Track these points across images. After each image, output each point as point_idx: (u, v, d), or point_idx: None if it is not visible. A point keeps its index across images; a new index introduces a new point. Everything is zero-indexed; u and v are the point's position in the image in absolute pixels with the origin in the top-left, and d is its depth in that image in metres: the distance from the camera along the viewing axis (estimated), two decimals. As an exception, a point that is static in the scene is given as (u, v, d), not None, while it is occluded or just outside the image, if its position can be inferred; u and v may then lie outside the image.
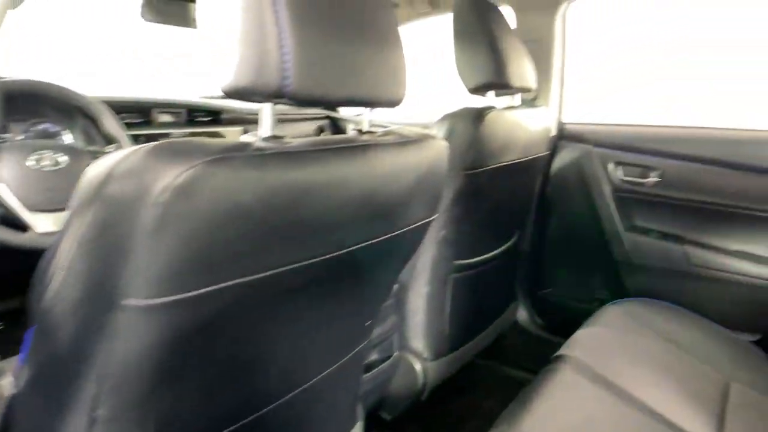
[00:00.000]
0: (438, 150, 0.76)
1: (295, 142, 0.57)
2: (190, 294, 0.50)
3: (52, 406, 0.58)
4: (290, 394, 0.76)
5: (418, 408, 1.31)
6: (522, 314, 1.76)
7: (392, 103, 0.67)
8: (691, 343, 1.27)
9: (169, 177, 0.46)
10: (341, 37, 0.57)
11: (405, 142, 0.70)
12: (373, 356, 1.16)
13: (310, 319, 0.73)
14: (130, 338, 0.52)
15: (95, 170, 0.50)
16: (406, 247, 0.82)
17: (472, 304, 1.35)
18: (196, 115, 1.45)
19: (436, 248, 1.16)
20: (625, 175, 1.56)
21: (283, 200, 0.53)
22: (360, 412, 1.02)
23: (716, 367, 1.20)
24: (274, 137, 0.57)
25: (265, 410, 0.71)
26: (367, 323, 0.88)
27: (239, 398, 0.68)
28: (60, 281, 0.52)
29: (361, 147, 0.64)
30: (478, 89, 1.18)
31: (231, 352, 0.64)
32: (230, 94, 0.53)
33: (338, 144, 0.61)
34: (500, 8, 1.24)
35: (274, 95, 0.53)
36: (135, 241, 0.47)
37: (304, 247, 0.59)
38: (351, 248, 0.66)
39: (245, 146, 0.52)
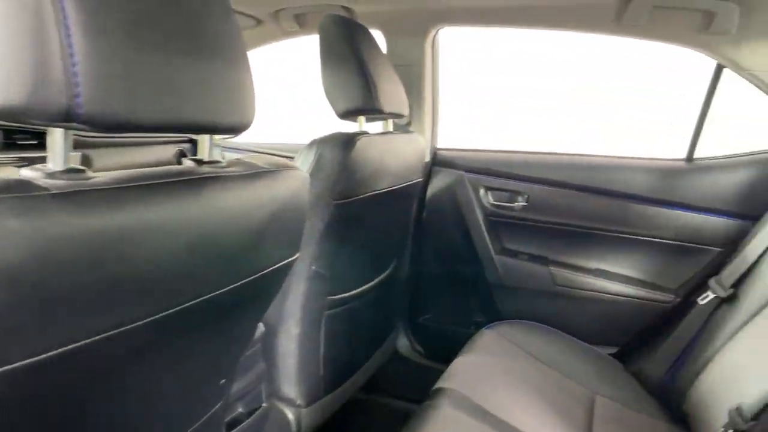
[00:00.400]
0: (296, 181, 0.67)
1: (102, 178, 0.45)
2: None
3: None
4: None
5: None
6: (402, 343, 1.72)
7: (236, 129, 0.57)
8: (558, 361, 1.32)
9: None
10: (162, 47, 0.47)
11: (255, 174, 0.61)
12: (239, 410, 1.03)
13: (143, 390, 0.59)
14: None
15: None
16: (265, 291, 0.72)
17: (350, 339, 1.27)
18: (17, 137, 1.21)
19: (306, 285, 1.06)
20: (495, 200, 1.60)
21: (76, 256, 0.40)
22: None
23: (582, 382, 1.26)
24: (70, 171, 0.44)
25: None
26: (222, 381, 0.75)
27: None
28: None
29: (196, 181, 0.53)
30: (348, 114, 1.12)
31: None
32: None
33: (165, 178, 0.50)
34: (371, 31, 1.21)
35: (62, 118, 0.41)
36: None
37: (117, 311, 0.46)
38: (189, 303, 0.54)
39: (20, 185, 0.39)
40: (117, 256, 0.43)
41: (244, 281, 0.62)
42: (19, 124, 1.22)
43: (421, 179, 1.41)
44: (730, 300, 1.25)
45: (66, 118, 0.40)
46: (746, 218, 1.36)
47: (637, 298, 1.49)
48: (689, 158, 1.46)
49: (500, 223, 1.62)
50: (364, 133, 1.12)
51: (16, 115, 0.40)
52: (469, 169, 1.62)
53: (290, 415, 1.10)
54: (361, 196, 1.09)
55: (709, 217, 1.42)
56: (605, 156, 1.54)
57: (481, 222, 1.61)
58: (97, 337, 0.45)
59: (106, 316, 0.45)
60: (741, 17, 1.17)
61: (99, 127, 0.42)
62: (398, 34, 1.54)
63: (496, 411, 1.08)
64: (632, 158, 1.51)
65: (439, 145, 1.69)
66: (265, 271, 0.66)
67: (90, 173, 0.45)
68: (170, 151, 1.52)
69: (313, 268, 1.06)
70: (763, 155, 1.40)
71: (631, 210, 1.48)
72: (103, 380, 0.51)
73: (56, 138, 0.44)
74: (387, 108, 1.15)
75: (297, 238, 0.72)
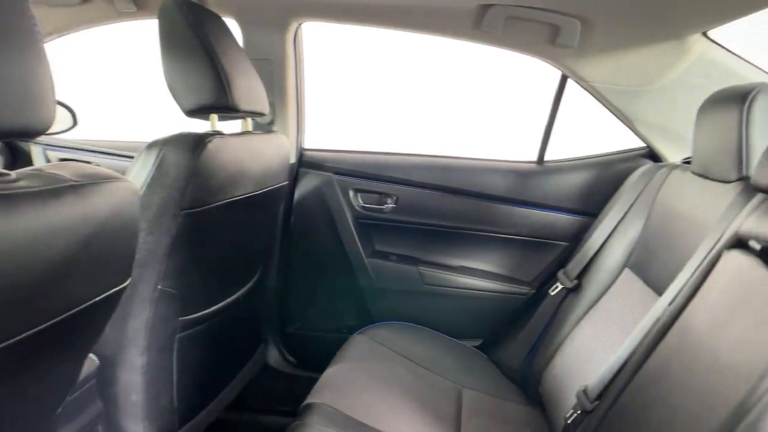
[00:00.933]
0: (120, 195, 0.56)
1: None
2: None
3: None
4: None
5: None
6: (272, 355, 1.63)
7: (27, 134, 0.45)
8: (428, 359, 1.34)
9: None
10: None
11: (58, 189, 0.49)
12: (71, 459, 0.87)
13: None
14: None
15: None
16: (87, 328, 0.59)
17: (210, 361, 1.15)
18: None
19: (152, 308, 0.92)
20: (365, 202, 1.58)
21: None
22: None
23: (450, 377, 1.29)
24: None
25: None
26: None
27: None
28: None
29: None
30: (197, 112, 1.00)
31: None
32: None
33: None
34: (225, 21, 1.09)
35: None
36: None
37: None
38: None
39: None
40: None
41: (50, 323, 0.50)
42: None
43: (286, 182, 1.33)
44: (575, 290, 1.37)
45: None
46: (587, 215, 1.50)
47: (498, 292, 1.58)
48: (540, 161, 1.58)
49: (370, 225, 1.60)
50: (218, 133, 1.01)
51: None
52: (338, 171, 1.58)
53: (137, 456, 0.96)
54: (216, 204, 0.98)
55: (557, 214, 1.54)
56: (467, 158, 1.60)
57: (352, 225, 1.58)
58: None
59: None
60: (582, 33, 1.28)
61: None
62: (255, 26, 1.42)
63: (367, 419, 1.06)
64: (491, 160, 1.59)
65: (306, 146, 1.62)
66: (84, 306, 0.54)
67: None
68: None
69: (160, 287, 0.93)
70: (601, 158, 1.55)
71: (491, 209, 1.55)
72: None
73: None
74: (244, 105, 1.05)
75: (126, 262, 0.60)
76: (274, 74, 1.46)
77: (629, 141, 1.51)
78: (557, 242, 1.55)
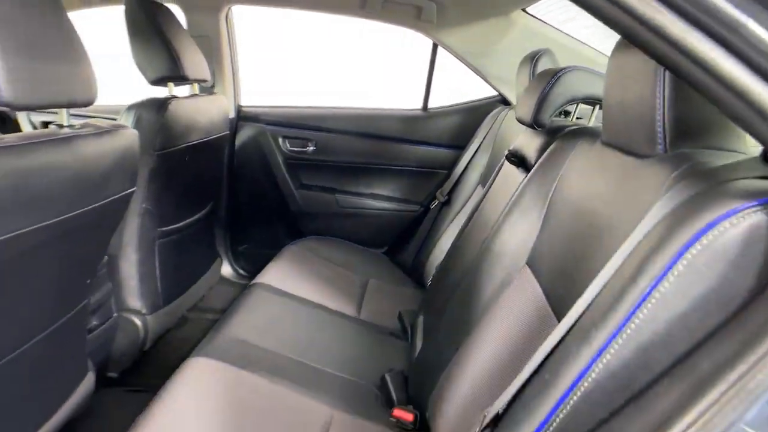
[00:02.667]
0: (128, 137, 0.99)
1: (7, 138, 0.74)
2: None
3: None
4: (14, 353, 0.87)
5: (140, 364, 1.50)
6: (226, 269, 2.08)
7: (87, 103, 0.87)
8: (342, 261, 1.82)
9: None
10: (34, 44, 0.75)
11: (100, 132, 0.91)
12: (94, 322, 1.30)
13: (34, 280, 0.87)
14: None
15: None
16: (111, 216, 1.03)
17: (179, 263, 1.59)
18: None
19: (139, 220, 1.35)
20: (291, 147, 2.02)
21: (8, 184, 0.70)
22: (90, 365, 1.17)
23: (359, 272, 1.78)
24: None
25: None
26: (88, 281, 1.05)
27: None
28: None
29: (64, 139, 0.83)
30: (158, 81, 1.40)
31: None
32: None
33: (44, 138, 0.79)
34: (169, 6, 1.46)
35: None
36: None
37: (29, 216, 0.76)
38: (67, 216, 0.85)
39: None
40: (27, 184, 0.73)
41: (98, 204, 0.93)
42: None
43: (227, 132, 1.74)
44: (446, 203, 1.89)
45: None
46: (458, 148, 2.01)
47: (396, 210, 2.08)
48: (424, 108, 2.05)
49: (297, 164, 2.05)
50: (174, 97, 1.41)
51: None
52: (269, 122, 2.00)
53: (138, 321, 1.41)
54: (177, 148, 1.40)
55: (438, 149, 2.04)
56: (370, 108, 2.05)
57: (282, 165, 2.02)
58: (16, 233, 0.74)
59: (23, 219, 0.75)
60: (438, 12, 1.73)
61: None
62: (194, 10, 1.79)
63: (297, 293, 1.53)
64: (388, 109, 2.05)
65: (243, 104, 2.03)
66: (111, 198, 0.97)
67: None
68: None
69: (143, 206, 1.35)
70: (470, 104, 2.04)
71: (389, 148, 2.03)
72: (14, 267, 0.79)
73: None
74: (191, 75, 1.44)
75: (133, 176, 1.03)
76: (213, 48, 1.84)
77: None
78: (438, 170, 2.05)
